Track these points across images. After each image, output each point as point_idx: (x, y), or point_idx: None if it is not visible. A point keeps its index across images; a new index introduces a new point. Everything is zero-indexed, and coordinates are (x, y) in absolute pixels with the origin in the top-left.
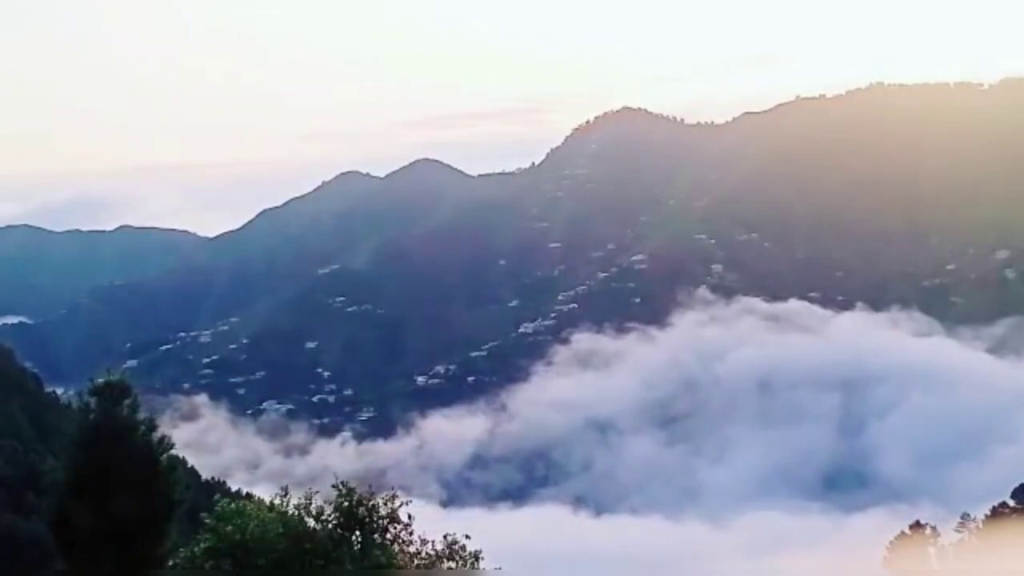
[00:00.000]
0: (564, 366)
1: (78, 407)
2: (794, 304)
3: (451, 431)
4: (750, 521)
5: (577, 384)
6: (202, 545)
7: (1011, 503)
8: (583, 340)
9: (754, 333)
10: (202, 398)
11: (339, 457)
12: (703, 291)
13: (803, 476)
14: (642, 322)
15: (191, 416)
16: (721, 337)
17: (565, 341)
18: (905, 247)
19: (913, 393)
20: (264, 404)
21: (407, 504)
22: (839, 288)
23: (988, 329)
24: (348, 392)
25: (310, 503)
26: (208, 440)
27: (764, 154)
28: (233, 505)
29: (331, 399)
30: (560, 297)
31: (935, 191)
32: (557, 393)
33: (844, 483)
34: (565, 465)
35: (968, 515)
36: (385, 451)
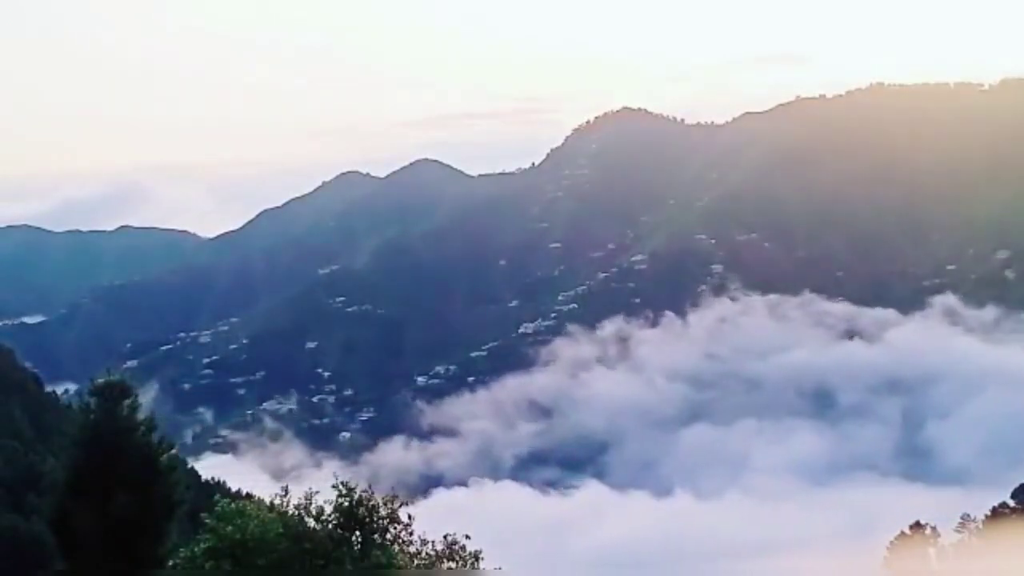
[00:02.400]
0: (568, 364)
1: (78, 407)
2: (796, 300)
3: (475, 429)
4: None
5: (587, 381)
6: (202, 545)
7: (1011, 503)
8: (585, 340)
9: (760, 331)
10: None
11: (373, 456)
12: (703, 290)
13: (826, 467)
14: (641, 321)
15: (247, 425)
16: (726, 335)
17: (567, 338)
18: (905, 247)
19: (950, 390)
20: (264, 404)
21: (407, 504)
22: (839, 288)
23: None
24: (348, 392)
25: (310, 503)
26: (270, 447)
27: (764, 154)
28: (233, 505)
29: (331, 399)
30: (560, 297)
31: (935, 191)
32: (567, 391)
33: (877, 471)
34: (615, 455)
35: (968, 515)
36: (431, 449)
